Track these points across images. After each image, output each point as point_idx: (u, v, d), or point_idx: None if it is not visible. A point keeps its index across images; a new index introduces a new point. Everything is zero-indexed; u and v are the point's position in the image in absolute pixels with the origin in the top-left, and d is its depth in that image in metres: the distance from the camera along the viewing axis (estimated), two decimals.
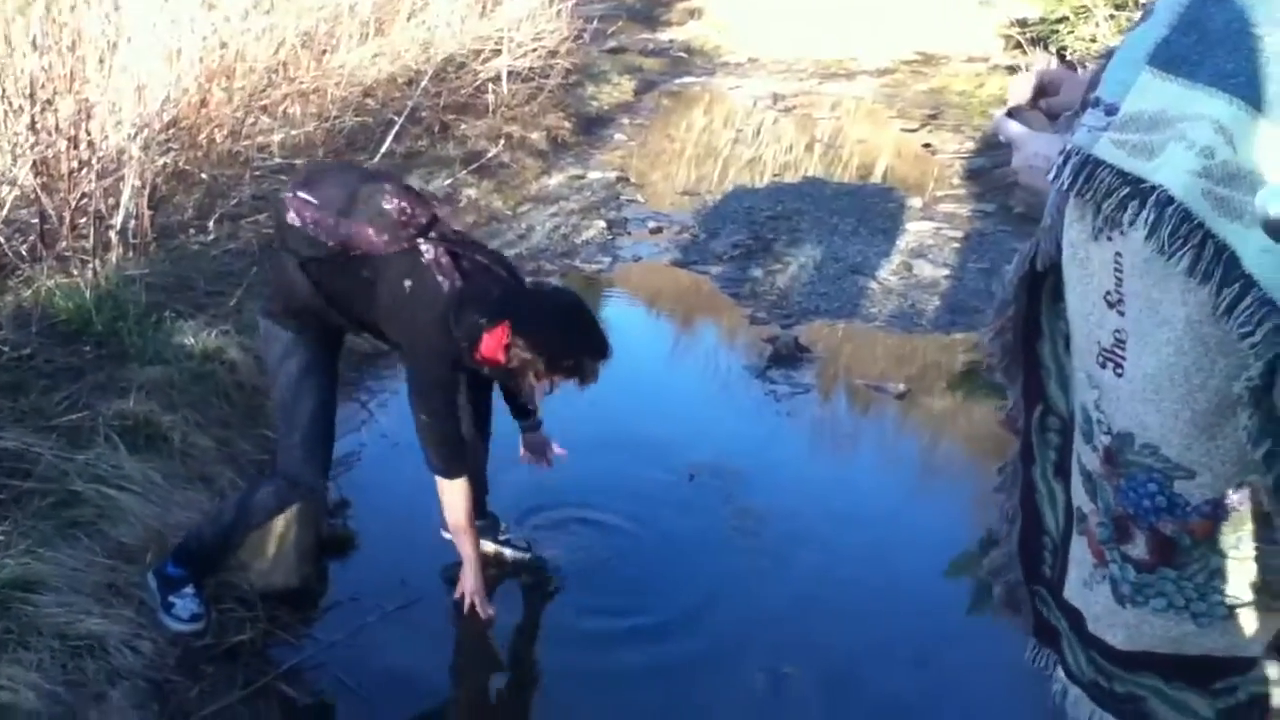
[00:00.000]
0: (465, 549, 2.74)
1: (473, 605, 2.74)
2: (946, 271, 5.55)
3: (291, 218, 2.53)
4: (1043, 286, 1.27)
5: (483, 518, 3.11)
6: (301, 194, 2.54)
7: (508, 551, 3.16)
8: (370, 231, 2.51)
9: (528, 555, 3.16)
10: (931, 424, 4.28)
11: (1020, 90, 1.46)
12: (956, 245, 5.93)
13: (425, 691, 2.72)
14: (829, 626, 2.94)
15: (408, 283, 2.52)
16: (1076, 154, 1.11)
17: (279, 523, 2.87)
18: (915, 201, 6.69)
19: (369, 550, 3.16)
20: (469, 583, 2.75)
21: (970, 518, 3.62)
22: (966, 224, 6.28)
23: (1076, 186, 1.10)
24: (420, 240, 2.55)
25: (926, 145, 8.11)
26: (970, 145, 7.98)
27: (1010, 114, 1.43)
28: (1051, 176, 1.15)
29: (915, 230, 6.15)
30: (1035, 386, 1.33)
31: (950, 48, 10.55)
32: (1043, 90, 1.44)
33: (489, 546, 3.12)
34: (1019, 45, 8.95)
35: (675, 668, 2.77)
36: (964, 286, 5.36)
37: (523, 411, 3.09)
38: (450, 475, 2.65)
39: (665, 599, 3.03)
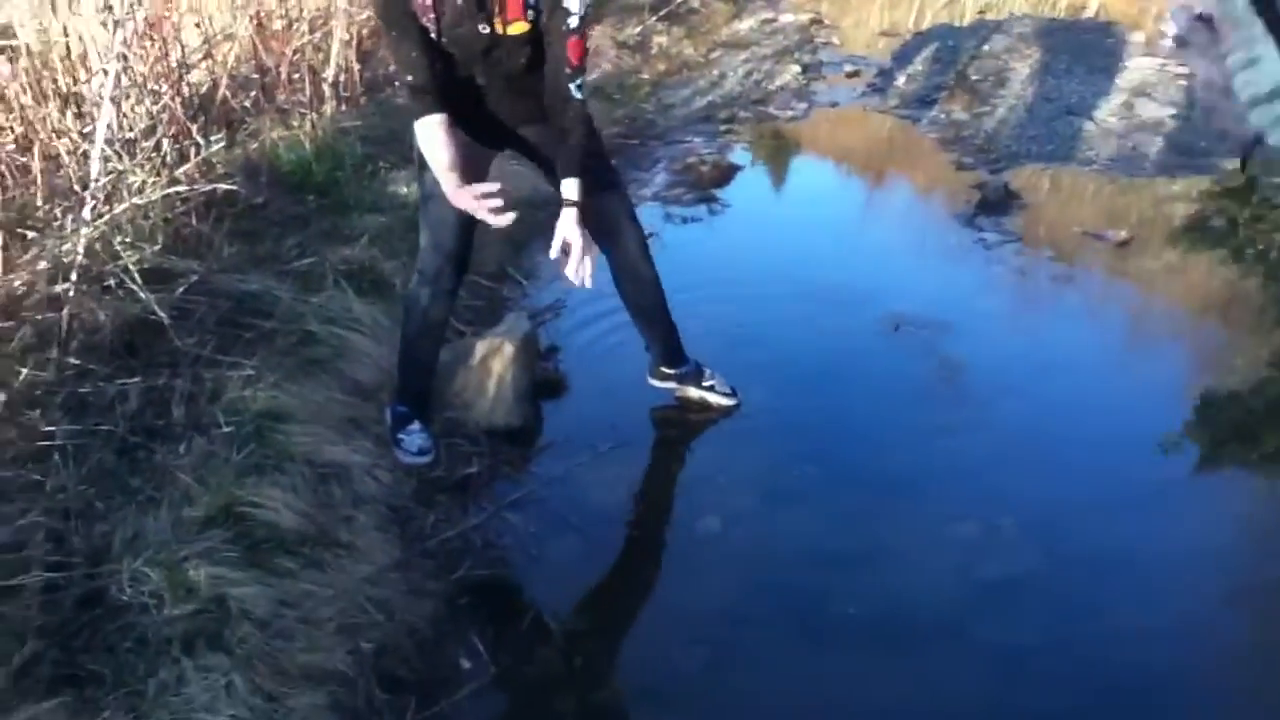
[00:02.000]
0: (447, 187, 2.46)
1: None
2: (1173, 111, 5.14)
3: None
4: None
5: (683, 364, 3.13)
6: None
7: (712, 398, 3.18)
8: None
9: (734, 401, 3.18)
10: (1151, 276, 4.03)
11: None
12: (1183, 83, 5.46)
13: (638, 528, 2.81)
14: (1041, 478, 2.87)
15: None
16: None
17: (497, 364, 2.99)
18: (1137, 37, 6.17)
19: (580, 394, 3.24)
20: (462, 200, 2.47)
21: (1189, 377, 3.44)
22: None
23: None
24: None
25: None
26: None
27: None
28: None
29: (1137, 67, 5.69)
30: None
31: None
32: None
33: (695, 393, 3.16)
34: None
35: (879, 514, 2.76)
36: (1191, 127, 4.96)
37: (567, 166, 2.52)
38: (414, 115, 2.42)
39: (870, 449, 3.02)
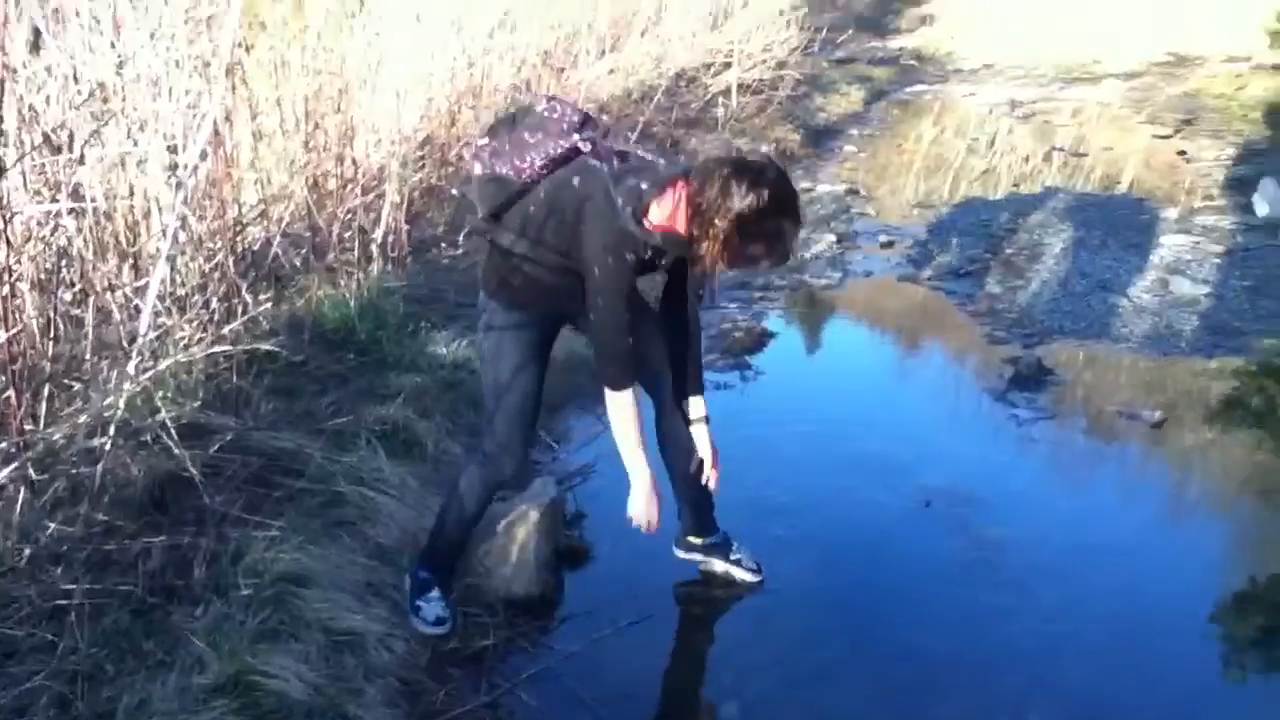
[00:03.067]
0: (628, 459, 2.64)
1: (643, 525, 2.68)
2: (1206, 289, 5.16)
3: (477, 169, 2.60)
4: None
5: (715, 534, 3.11)
6: (479, 142, 2.64)
7: (737, 572, 3.14)
8: (525, 134, 2.53)
9: (759, 578, 3.13)
10: (1188, 456, 3.98)
11: None
12: (1218, 260, 5.51)
13: (655, 710, 2.74)
14: (1075, 667, 2.78)
15: (575, 180, 2.47)
16: None
17: (520, 531, 2.98)
18: (1170, 213, 6.26)
19: (603, 563, 3.21)
20: (639, 504, 2.67)
21: (1229, 561, 3.35)
22: (1228, 237, 5.82)
23: None
24: (577, 137, 2.53)
25: (1181, 153, 7.59)
26: (1230, 151, 7.41)
27: None
28: None
29: (1171, 244, 5.75)
30: None
31: (1206, 47, 9.84)
32: None
33: (719, 566, 3.13)
34: None
35: (912, 699, 2.68)
36: (1226, 305, 4.97)
37: (687, 380, 2.83)
38: (616, 385, 2.56)
39: (900, 631, 2.94)
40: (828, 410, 4.12)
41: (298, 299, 3.73)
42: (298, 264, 3.95)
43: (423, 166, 4.76)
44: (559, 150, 2.53)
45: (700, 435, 2.85)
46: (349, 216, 4.15)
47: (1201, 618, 3.01)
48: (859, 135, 8.27)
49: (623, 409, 2.59)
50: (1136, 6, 10.10)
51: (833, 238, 5.98)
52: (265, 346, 3.16)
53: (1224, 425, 4.13)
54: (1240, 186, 6.64)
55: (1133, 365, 4.60)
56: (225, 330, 3.10)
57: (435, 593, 2.76)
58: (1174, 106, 8.75)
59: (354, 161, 4.31)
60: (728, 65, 7.51)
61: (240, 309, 3.29)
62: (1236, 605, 3.10)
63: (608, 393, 2.58)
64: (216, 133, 3.44)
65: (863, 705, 2.68)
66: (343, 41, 4.56)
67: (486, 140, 2.62)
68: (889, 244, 5.99)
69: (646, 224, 2.41)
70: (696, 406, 2.84)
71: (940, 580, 3.16)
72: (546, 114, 2.56)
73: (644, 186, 2.40)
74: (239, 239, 3.62)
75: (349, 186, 4.21)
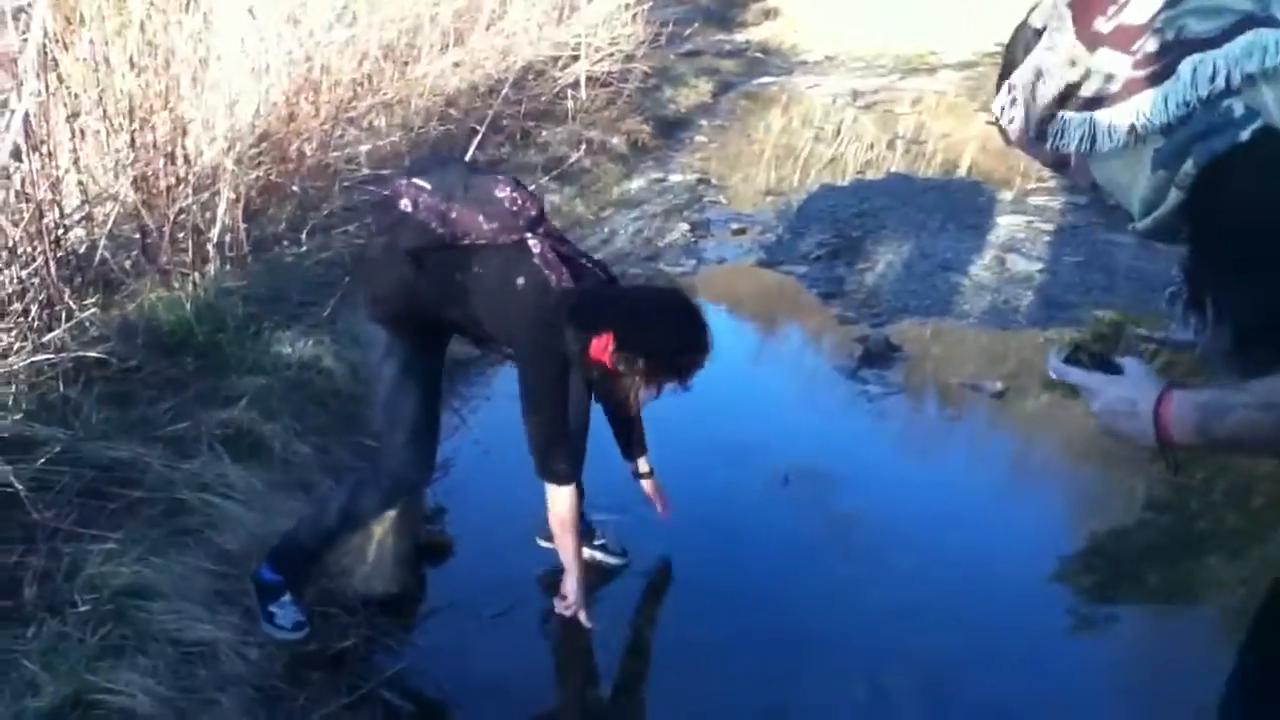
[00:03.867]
0: (569, 556, 2.72)
1: (574, 614, 2.74)
2: (1040, 265, 5.41)
3: (405, 204, 2.53)
4: None
5: (580, 522, 3.09)
6: (417, 180, 2.55)
7: (603, 557, 3.14)
8: (480, 218, 2.50)
9: (624, 561, 3.14)
10: (1029, 424, 4.16)
11: None
12: (1049, 239, 5.78)
13: (524, 699, 2.71)
14: (928, 633, 2.86)
15: (520, 280, 2.51)
16: None
17: (377, 529, 2.90)
18: (1005, 195, 6.54)
19: (466, 557, 3.16)
20: (572, 591, 2.74)
21: (1071, 521, 3.52)
22: (1059, 216, 6.12)
23: None
24: (529, 234, 2.54)
25: None
26: None
27: (1070, 358, 1.44)
28: None
29: (1006, 224, 6.01)
30: None
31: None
32: None
33: (584, 553, 3.10)
34: None
35: (772, 677, 2.72)
36: (1059, 280, 5.22)
37: (632, 445, 3.05)
38: (560, 481, 2.62)
39: (762, 606, 2.99)
40: (684, 395, 4.14)
41: (129, 303, 3.54)
42: (128, 267, 3.75)
43: (260, 163, 4.59)
44: (507, 240, 2.52)
45: (649, 486, 3.09)
46: (182, 216, 3.96)
47: (1043, 578, 3.14)
48: (709, 126, 8.37)
49: (564, 505, 2.63)
50: (968, 1, 10.53)
51: (686, 226, 6.04)
52: (93, 354, 2.99)
53: (1062, 392, 4.32)
54: (1068, 167, 6.99)
55: (975, 339, 4.79)
56: (47, 338, 2.93)
57: (287, 597, 2.65)
58: None
59: (186, 159, 4.12)
60: (575, 58, 7.49)
61: (64, 315, 3.11)
62: (1076, 564, 3.25)
63: (549, 488, 2.62)
64: (29, 132, 3.25)
65: (729, 684, 2.70)
66: (170, 36, 4.35)
67: (422, 181, 2.54)
68: (741, 231, 6.09)
69: (586, 358, 2.51)
70: (642, 464, 3.07)
71: (799, 555, 3.22)
72: (507, 204, 2.53)
73: (590, 322, 2.49)
74: (60, 243, 3.42)
75: (181, 185, 4.02)
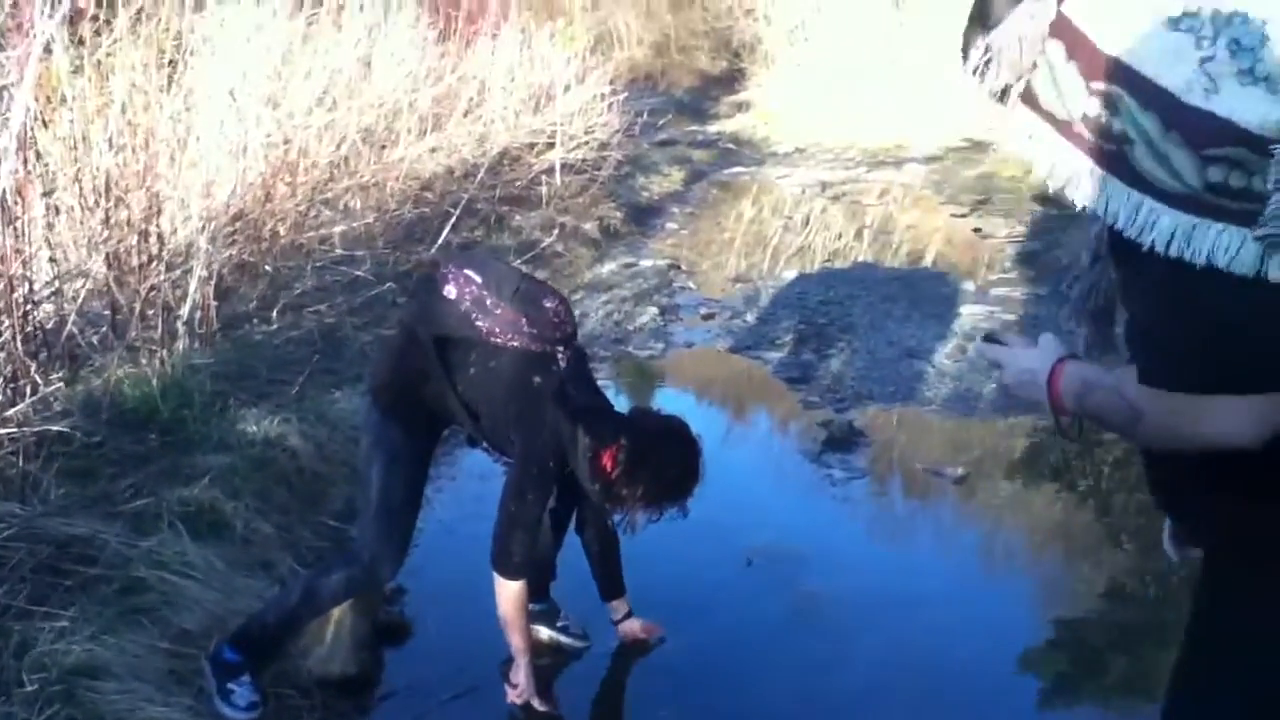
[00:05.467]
0: (516, 646, 2.74)
1: (528, 703, 2.75)
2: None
3: (449, 291, 2.59)
4: None
5: (544, 602, 3.10)
6: (467, 271, 2.61)
7: (565, 639, 3.13)
8: (524, 321, 2.58)
9: (585, 644, 3.12)
10: (991, 510, 4.20)
11: None
12: (1012, 329, 5.89)
13: None
14: (894, 715, 2.86)
15: (537, 379, 2.59)
16: None
17: (335, 611, 2.87)
18: (968, 285, 6.67)
19: (425, 637, 3.14)
20: (521, 682, 2.76)
21: (1034, 607, 3.54)
22: (1020, 307, 6.24)
23: None
24: (559, 348, 2.62)
25: (977, 230, 8.11)
26: (1021, 229, 7.97)
27: (987, 338, 1.63)
28: None
29: (969, 314, 6.12)
30: None
31: (997, 134, 10.61)
32: None
33: (546, 634, 3.10)
34: None
35: None
36: None
37: (610, 582, 3.08)
38: (511, 575, 2.65)
39: (726, 688, 2.97)
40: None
41: (95, 379, 3.54)
42: (96, 342, 3.76)
43: (234, 242, 4.63)
44: (537, 348, 2.61)
45: (629, 628, 3.11)
46: (153, 293, 3.99)
47: (1008, 663, 3.14)
48: (680, 213, 8.53)
49: (513, 599, 2.67)
50: (935, 96, 10.84)
51: (655, 310, 6.12)
52: (56, 428, 2.99)
53: (1025, 479, 4.38)
54: (1029, 261, 7.14)
55: (938, 426, 4.85)
56: (10, 412, 2.93)
57: (246, 676, 2.62)
58: (970, 188, 9.36)
59: (160, 237, 4.16)
60: (551, 145, 7.65)
61: (29, 390, 3.11)
62: (1040, 650, 3.26)
63: (498, 579, 2.66)
64: (4, 209, 3.28)
65: None
66: (150, 116, 4.43)
67: (473, 273, 2.61)
68: (710, 316, 6.17)
69: (598, 465, 2.59)
70: (619, 608, 3.10)
71: (763, 636, 3.21)
72: (551, 315, 2.63)
73: (605, 436, 2.59)
74: (29, 317, 3.43)
75: (153, 263, 4.05)
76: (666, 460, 2.61)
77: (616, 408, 2.85)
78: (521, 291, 2.61)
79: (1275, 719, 1.43)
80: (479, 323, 2.57)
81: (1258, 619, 1.39)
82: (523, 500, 2.60)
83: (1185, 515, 1.52)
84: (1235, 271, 1.22)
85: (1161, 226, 1.25)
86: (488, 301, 2.57)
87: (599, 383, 2.95)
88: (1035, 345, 1.56)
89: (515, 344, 2.59)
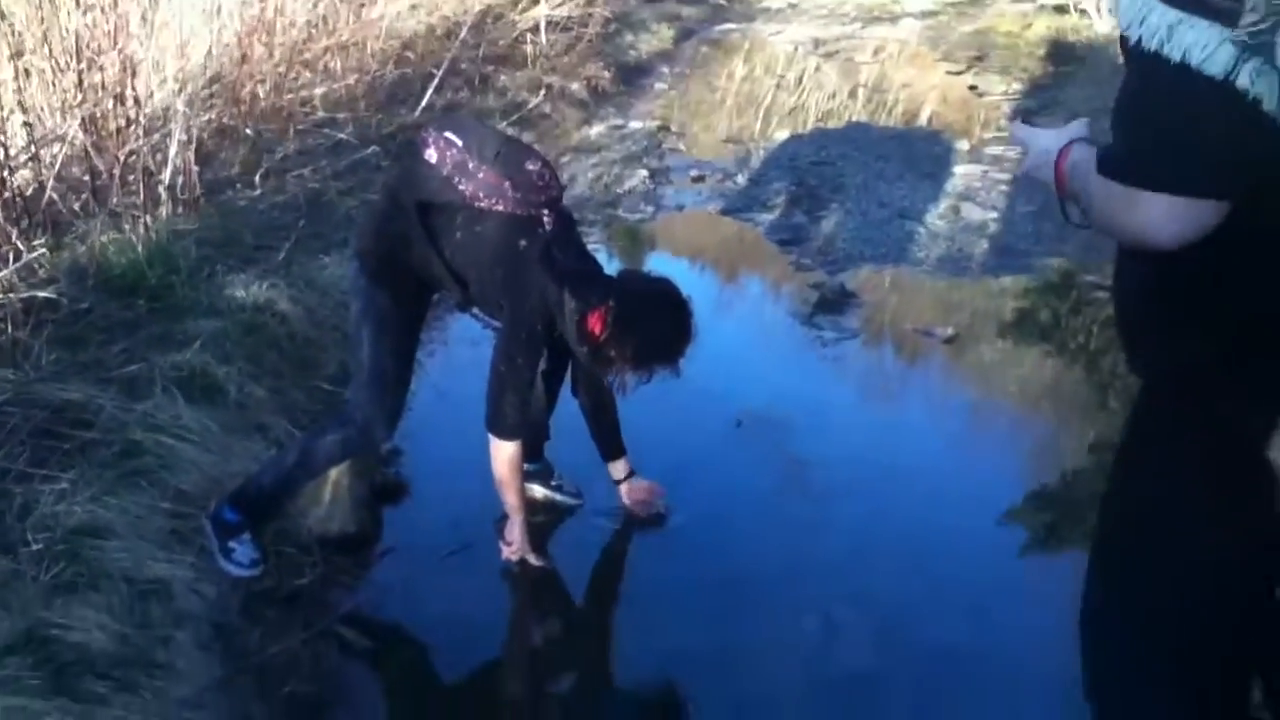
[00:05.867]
0: (511, 505, 2.78)
1: (520, 558, 2.81)
2: (995, 214, 5.47)
3: (430, 154, 2.54)
4: None
5: (538, 462, 3.14)
6: (448, 134, 2.56)
7: (559, 497, 3.18)
8: (507, 184, 2.54)
9: (579, 502, 3.18)
10: (980, 370, 4.23)
11: None
12: (1004, 188, 5.83)
13: (480, 635, 2.75)
14: (880, 575, 2.92)
15: (523, 242, 2.57)
16: None
17: (334, 470, 2.92)
18: (962, 145, 6.58)
19: (421, 498, 3.19)
20: (515, 539, 2.82)
21: (1021, 466, 3.60)
22: (1014, 166, 6.15)
23: None
24: (545, 211, 2.59)
25: (973, 87, 7.95)
26: (1017, 87, 7.82)
27: (1023, 119, 1.57)
28: None
29: (962, 173, 6.05)
30: None
31: None
32: None
33: (540, 492, 3.15)
34: None
35: (726, 615, 2.77)
36: (1012, 229, 5.28)
37: (609, 443, 3.07)
38: (505, 435, 2.66)
39: (714, 548, 3.03)
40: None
41: (79, 245, 3.50)
42: (77, 209, 3.70)
43: (212, 106, 4.52)
44: (522, 212, 2.56)
45: (628, 490, 3.10)
46: (132, 158, 3.91)
47: (994, 522, 3.19)
48: (670, 73, 8.32)
49: (507, 460, 2.68)
50: None
51: (645, 173, 6.03)
52: (43, 294, 2.97)
53: (1014, 339, 4.40)
54: (1025, 118, 7.03)
55: (929, 287, 4.84)
56: None
57: (246, 535, 2.68)
58: (966, 44, 9.14)
59: (136, 100, 4.05)
60: (535, 2, 7.41)
61: (11, 256, 3.07)
62: (1027, 508, 3.31)
63: (493, 440, 2.66)
64: None
65: (682, 621, 2.75)
66: None
67: (454, 136, 2.55)
68: (700, 179, 6.09)
69: (584, 327, 2.57)
70: (618, 469, 3.09)
71: (751, 499, 3.26)
72: (535, 178, 2.57)
73: (591, 299, 2.55)
74: (5, 183, 3.37)
75: (131, 127, 3.96)
76: (654, 321, 2.60)
77: (606, 271, 2.82)
78: (503, 154, 2.56)
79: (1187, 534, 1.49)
80: (461, 186, 2.53)
81: (1177, 456, 1.45)
82: (512, 363, 2.61)
83: (1132, 344, 1.54)
84: (1205, 71, 1.24)
85: (1150, 23, 1.28)
86: (469, 165, 2.53)
87: (589, 246, 2.92)
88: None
89: (499, 208, 2.56)
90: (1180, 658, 1.52)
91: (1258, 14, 1.20)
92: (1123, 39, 1.36)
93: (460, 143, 2.55)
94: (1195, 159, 1.28)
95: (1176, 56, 1.25)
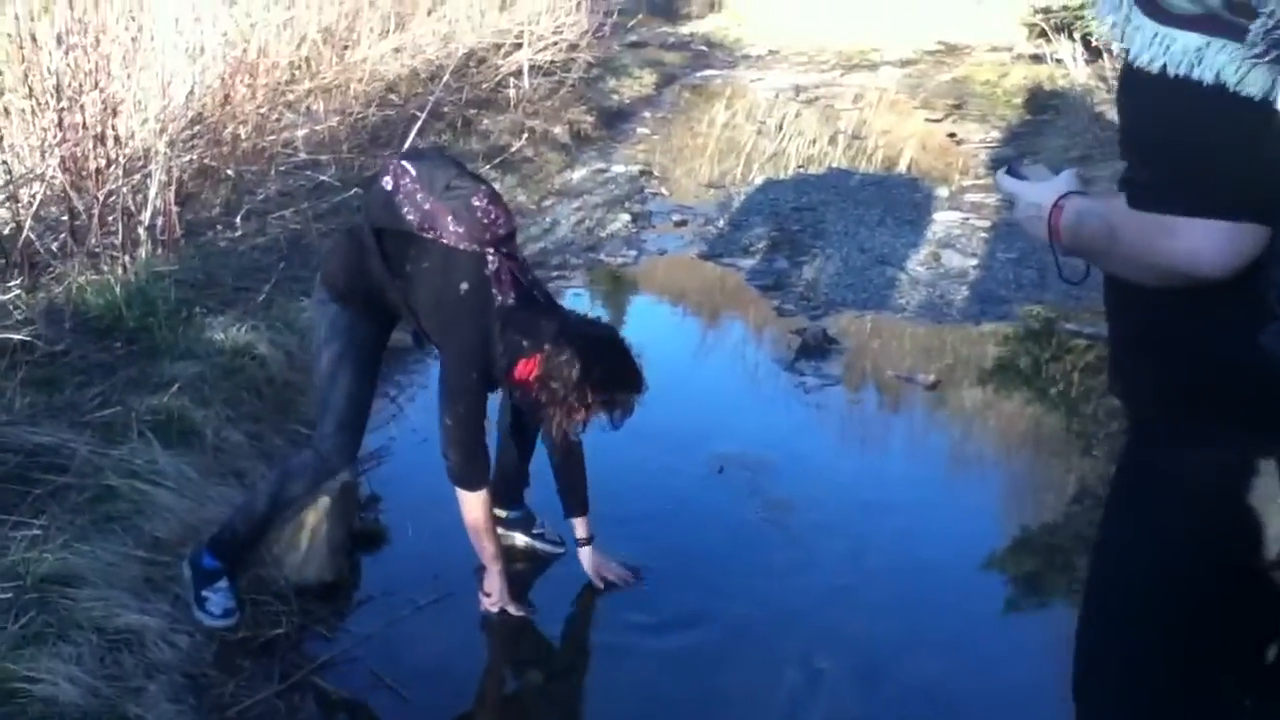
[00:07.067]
0: (487, 555, 2.75)
1: (500, 610, 2.78)
2: (975, 261, 5.50)
3: (387, 181, 2.56)
4: None
5: (519, 509, 3.11)
6: (405, 163, 2.57)
7: (540, 546, 3.15)
8: (450, 219, 2.52)
9: (560, 550, 3.14)
10: (962, 416, 4.24)
11: None
12: (984, 235, 5.88)
13: (458, 685, 2.70)
14: (860, 617, 2.90)
15: (464, 286, 2.54)
16: None
17: (311, 517, 2.87)
18: (941, 191, 6.64)
19: (400, 545, 3.15)
20: (494, 590, 2.79)
21: (1003, 511, 3.59)
22: (994, 213, 6.22)
23: None
24: (489, 250, 2.56)
25: (951, 135, 8.06)
26: (995, 134, 7.93)
27: (1008, 170, 1.60)
28: None
29: (942, 220, 6.10)
30: None
31: (973, 37, 10.49)
32: None
33: (521, 540, 3.12)
34: (1043, 33, 8.88)
35: (707, 661, 2.74)
36: (993, 276, 5.32)
37: (569, 496, 2.98)
38: (469, 486, 2.65)
39: (697, 592, 3.00)
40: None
41: (56, 286, 3.46)
42: (55, 249, 3.66)
43: (194, 146, 4.50)
44: (465, 247, 2.54)
45: (586, 557, 2.98)
46: (111, 198, 3.88)
47: (975, 565, 3.18)
48: (652, 118, 8.40)
49: (477, 509, 2.67)
50: None
51: (628, 217, 6.05)
52: (18, 336, 2.92)
53: (995, 385, 4.41)
54: (1003, 166, 7.12)
55: (910, 333, 4.86)
56: None
57: (223, 583, 2.63)
58: (945, 92, 9.28)
59: (117, 140, 4.03)
60: (518, 46, 7.47)
61: None
62: (1008, 552, 3.30)
63: (460, 492, 2.64)
64: None
65: (664, 667, 2.72)
66: (100, 13, 4.25)
67: (409, 166, 2.56)
68: (682, 223, 6.11)
69: (512, 376, 2.55)
70: (579, 528, 2.98)
71: (733, 542, 3.24)
72: (479, 215, 2.54)
73: (524, 344, 2.53)
74: None
75: (111, 167, 3.93)
76: (585, 368, 2.52)
77: (561, 311, 2.76)
78: (454, 188, 2.54)
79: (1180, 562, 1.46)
80: (409, 215, 2.53)
81: (1170, 479, 1.42)
82: (454, 413, 2.58)
83: (1124, 373, 1.52)
84: (1243, 93, 1.20)
85: (1174, 51, 1.24)
86: (418, 195, 2.53)
87: (570, 290, 2.90)
88: (1053, 178, 1.54)
89: (444, 241, 2.54)
90: (1171, 698, 1.50)
91: (1274, 19, 1.17)
92: (1128, 70, 1.32)
93: (414, 172, 2.55)
94: (1237, 182, 1.25)
95: (1209, 79, 1.21)
